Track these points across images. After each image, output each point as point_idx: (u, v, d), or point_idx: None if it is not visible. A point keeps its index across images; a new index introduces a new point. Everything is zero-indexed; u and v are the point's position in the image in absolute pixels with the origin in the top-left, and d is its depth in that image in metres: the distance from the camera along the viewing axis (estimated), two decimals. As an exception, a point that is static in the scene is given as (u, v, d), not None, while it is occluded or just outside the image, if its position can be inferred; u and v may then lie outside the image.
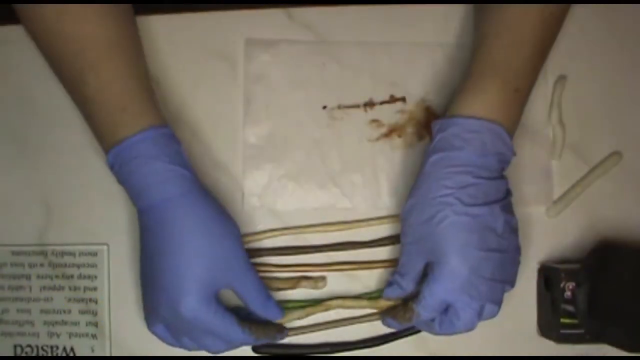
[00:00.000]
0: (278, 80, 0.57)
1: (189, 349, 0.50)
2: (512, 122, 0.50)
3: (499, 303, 0.49)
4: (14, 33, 0.56)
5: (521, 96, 0.50)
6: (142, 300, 0.50)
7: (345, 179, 0.57)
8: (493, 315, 0.49)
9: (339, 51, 0.57)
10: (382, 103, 0.57)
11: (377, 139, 0.57)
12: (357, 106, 0.57)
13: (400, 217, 0.51)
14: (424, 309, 0.49)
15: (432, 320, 0.49)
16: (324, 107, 0.57)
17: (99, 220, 0.56)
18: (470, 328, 0.48)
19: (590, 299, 0.53)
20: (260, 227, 0.56)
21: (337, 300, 0.55)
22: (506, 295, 0.57)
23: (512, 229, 0.49)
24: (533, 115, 0.57)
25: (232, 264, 0.49)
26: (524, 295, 0.56)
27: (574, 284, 0.53)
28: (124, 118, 0.48)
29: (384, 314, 0.53)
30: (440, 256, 0.47)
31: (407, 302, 0.50)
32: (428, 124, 0.57)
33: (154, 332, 0.49)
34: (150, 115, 0.49)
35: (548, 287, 0.55)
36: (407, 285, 0.51)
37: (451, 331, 0.49)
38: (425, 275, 0.49)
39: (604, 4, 0.58)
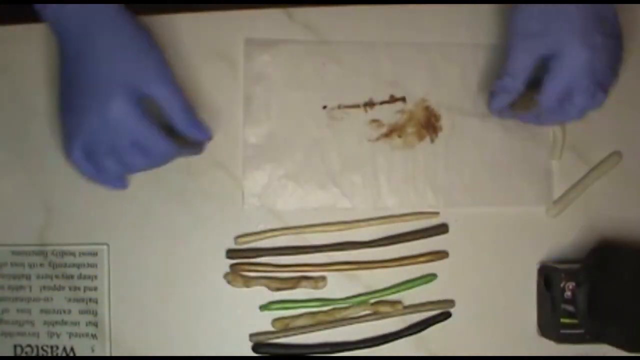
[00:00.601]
0: (278, 80, 0.57)
1: (109, 175, 0.49)
2: None
3: (607, 92, 0.50)
4: (14, 33, 0.56)
5: None
6: (61, 130, 0.49)
7: (345, 179, 0.57)
8: (601, 102, 0.50)
9: (339, 51, 0.57)
10: (382, 103, 0.57)
11: (377, 139, 0.57)
12: (357, 106, 0.57)
13: (507, 17, 0.52)
14: (547, 98, 0.50)
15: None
16: (324, 107, 0.57)
17: (99, 220, 0.56)
18: (579, 115, 0.51)
19: (590, 299, 0.53)
20: (261, 227, 0.56)
21: (342, 311, 0.56)
22: (506, 296, 0.57)
23: (618, 21, 0.52)
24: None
25: (153, 72, 0.48)
26: (524, 295, 0.57)
27: (574, 284, 0.53)
28: None
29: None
30: (561, 44, 0.49)
31: (527, 94, 0.51)
32: (428, 123, 0.57)
33: (73, 161, 0.49)
34: None
35: (548, 287, 0.55)
36: (518, 85, 0.52)
37: (560, 118, 0.52)
38: (540, 70, 0.50)
39: (603, 4, 0.58)
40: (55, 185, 0.56)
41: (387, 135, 0.57)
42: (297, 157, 0.57)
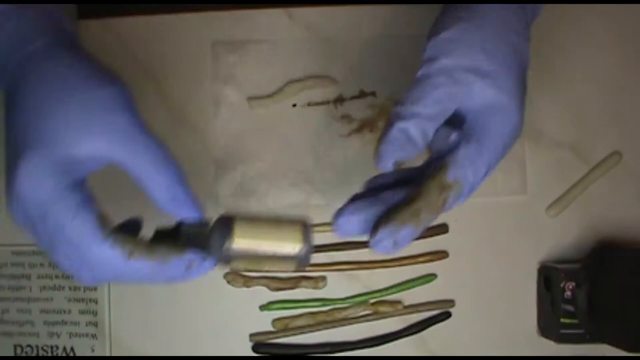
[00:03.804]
0: (246, 81, 0.56)
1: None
2: None
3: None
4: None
5: None
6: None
7: (318, 175, 0.57)
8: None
9: (305, 48, 0.57)
10: (352, 98, 0.57)
11: (349, 134, 0.57)
12: (327, 102, 0.57)
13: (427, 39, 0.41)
14: (474, 174, 0.37)
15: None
16: (294, 105, 0.57)
17: (99, 220, 0.56)
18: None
19: (590, 299, 0.53)
20: (260, 227, 0.56)
21: (342, 311, 0.56)
22: (506, 295, 0.57)
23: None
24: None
25: (112, 125, 0.35)
26: (524, 295, 0.57)
27: (574, 284, 0.53)
28: None
29: (395, 221, 0.38)
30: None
31: (428, 183, 0.38)
32: None
33: (14, 217, 0.37)
34: None
35: (548, 287, 0.55)
36: (425, 131, 0.37)
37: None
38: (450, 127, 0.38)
39: (603, 3, 0.58)
40: (55, 185, 0.56)
41: (359, 130, 0.57)
42: (268, 156, 0.57)
